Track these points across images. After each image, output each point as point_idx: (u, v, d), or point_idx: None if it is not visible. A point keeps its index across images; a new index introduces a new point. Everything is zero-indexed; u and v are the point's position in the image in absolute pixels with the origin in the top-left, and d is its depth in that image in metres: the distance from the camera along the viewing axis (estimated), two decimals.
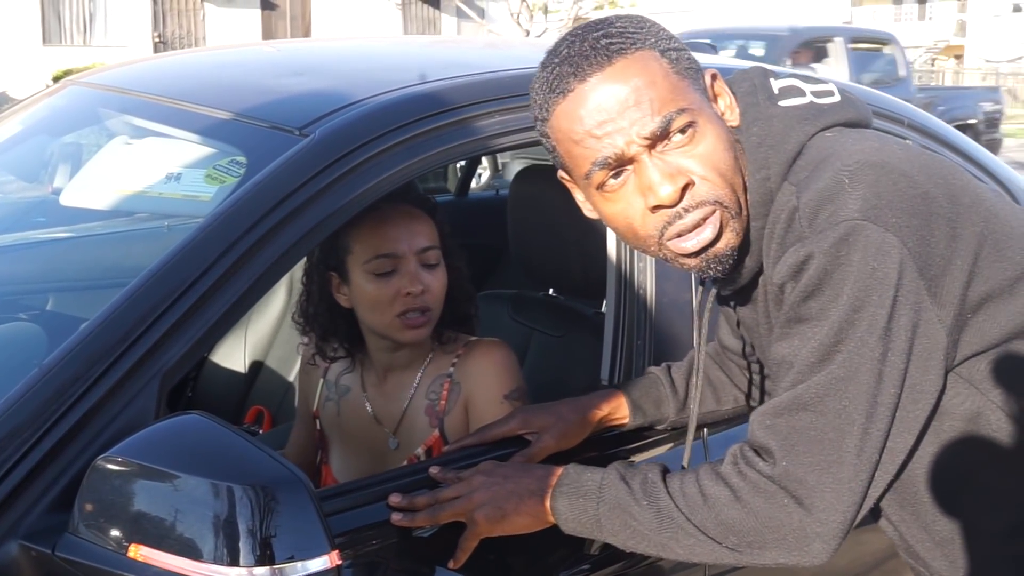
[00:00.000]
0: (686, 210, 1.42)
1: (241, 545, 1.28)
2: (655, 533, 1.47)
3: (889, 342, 1.33)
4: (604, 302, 2.31)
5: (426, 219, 2.07)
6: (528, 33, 22.09)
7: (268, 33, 25.39)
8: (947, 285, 1.36)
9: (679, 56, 1.44)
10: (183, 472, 1.31)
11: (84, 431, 1.43)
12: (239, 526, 1.28)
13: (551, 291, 2.70)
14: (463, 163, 4.95)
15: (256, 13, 25.66)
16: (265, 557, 1.29)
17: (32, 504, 1.38)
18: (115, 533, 1.32)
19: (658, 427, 1.92)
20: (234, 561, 1.28)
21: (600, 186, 1.45)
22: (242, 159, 1.78)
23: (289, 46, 3.36)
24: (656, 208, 1.42)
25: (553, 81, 1.43)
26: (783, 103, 1.48)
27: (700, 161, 1.42)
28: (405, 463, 2.01)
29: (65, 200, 2.39)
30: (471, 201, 4.77)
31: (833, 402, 1.34)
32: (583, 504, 1.53)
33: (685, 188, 1.41)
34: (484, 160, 9.15)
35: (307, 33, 25.68)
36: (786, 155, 1.45)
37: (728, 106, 1.48)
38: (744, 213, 1.48)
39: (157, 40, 23.65)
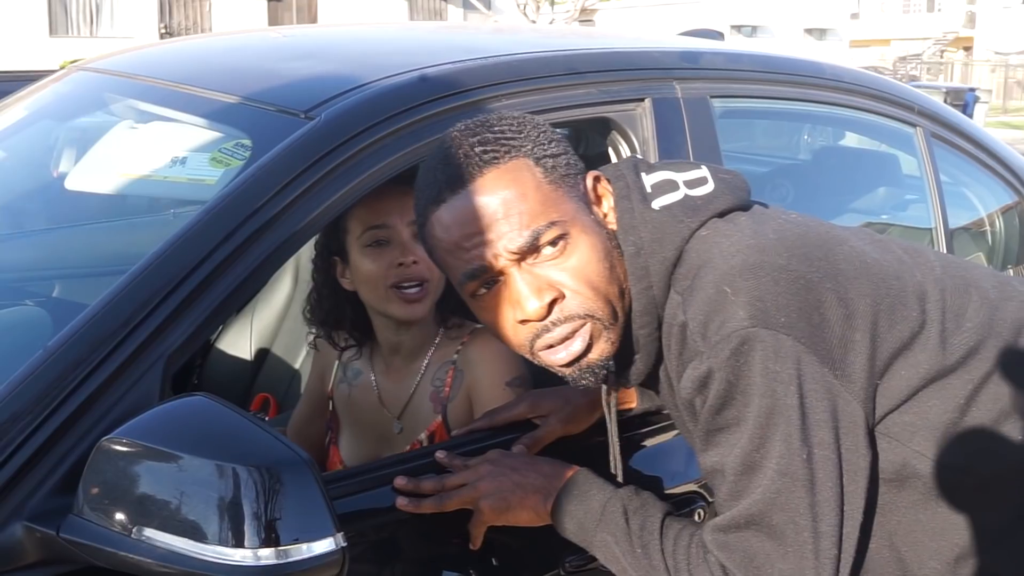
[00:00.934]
0: (554, 324, 1.42)
1: (246, 526, 1.28)
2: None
3: (811, 438, 1.35)
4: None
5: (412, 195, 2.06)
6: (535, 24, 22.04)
7: (274, 24, 25.39)
8: (853, 362, 1.38)
9: (555, 163, 1.45)
10: (188, 453, 1.30)
11: (88, 413, 1.42)
12: (244, 507, 1.28)
13: None
14: None
15: (262, 4, 25.67)
16: (270, 539, 1.28)
17: (36, 486, 1.38)
18: (119, 514, 1.31)
19: (665, 411, 1.91)
20: (239, 542, 1.27)
21: (472, 294, 1.47)
22: (247, 142, 1.77)
23: (295, 31, 3.34)
24: (524, 322, 1.43)
25: (430, 188, 1.47)
26: (657, 202, 1.47)
27: (571, 274, 1.42)
28: (408, 448, 2.01)
29: (70, 184, 2.38)
30: None
31: (778, 516, 1.36)
32: (581, 523, 1.57)
33: (553, 302, 1.41)
34: None
35: (313, 23, 25.65)
36: (665, 263, 1.45)
37: (611, 208, 1.49)
38: (620, 321, 1.47)
39: (163, 31, 23.67)
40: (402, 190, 2.03)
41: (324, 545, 1.31)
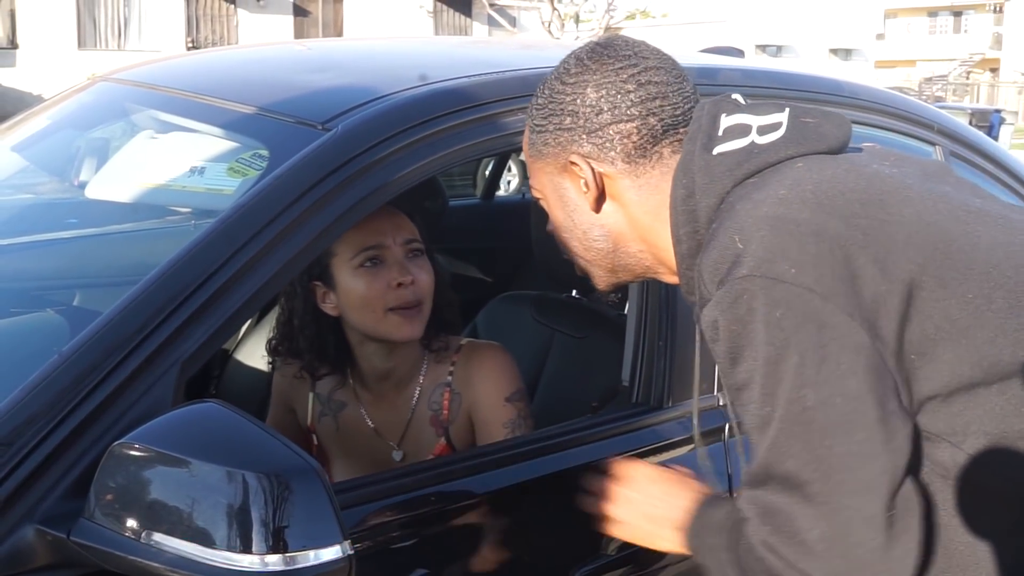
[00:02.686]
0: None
1: (254, 532, 1.28)
2: None
3: (824, 385, 1.27)
4: (626, 304, 2.31)
5: (405, 218, 2.07)
6: None
7: (300, 39, 25.52)
8: (884, 326, 1.30)
9: (536, 138, 1.55)
10: (198, 459, 1.31)
11: (101, 418, 1.43)
12: (252, 514, 1.29)
13: (574, 293, 2.69)
14: (490, 167, 4.96)
15: (289, 19, 25.83)
16: (278, 545, 1.29)
17: (49, 489, 1.39)
18: (129, 519, 1.32)
19: None
20: (247, 548, 1.28)
21: None
22: (264, 152, 1.78)
23: (314, 44, 3.37)
24: None
25: None
26: (719, 149, 1.45)
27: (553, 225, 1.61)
28: None
29: (91, 193, 2.40)
30: (497, 204, 4.77)
31: (789, 465, 1.30)
32: (707, 552, 1.50)
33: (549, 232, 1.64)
34: (513, 166, 9.20)
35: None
36: (709, 210, 1.44)
37: (585, 182, 1.52)
38: (603, 265, 1.58)
39: (190, 45, 23.84)
40: (392, 212, 2.04)
41: (331, 552, 1.31)
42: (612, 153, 1.49)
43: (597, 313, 2.56)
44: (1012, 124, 25.46)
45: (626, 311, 2.31)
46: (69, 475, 1.40)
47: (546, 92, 1.54)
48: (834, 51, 41.89)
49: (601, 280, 1.62)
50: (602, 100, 1.47)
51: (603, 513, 1.65)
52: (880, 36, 48.38)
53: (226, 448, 1.33)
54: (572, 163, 1.51)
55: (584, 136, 1.49)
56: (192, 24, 24.45)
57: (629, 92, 1.47)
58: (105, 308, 1.52)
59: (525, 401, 2.06)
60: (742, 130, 1.46)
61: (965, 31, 53.60)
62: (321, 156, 1.69)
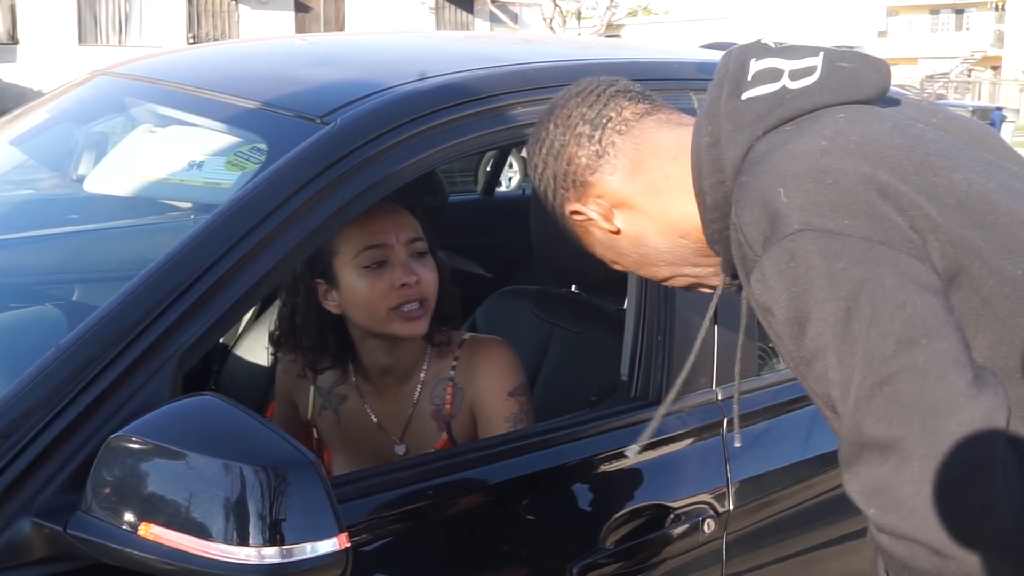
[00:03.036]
0: None
1: (251, 525, 1.28)
2: None
3: (904, 330, 1.16)
4: (625, 299, 2.31)
5: (407, 214, 2.07)
6: None
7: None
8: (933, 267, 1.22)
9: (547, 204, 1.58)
10: (195, 452, 1.31)
11: (98, 411, 1.43)
12: (249, 506, 1.28)
13: (573, 288, 2.69)
14: (490, 163, 4.96)
15: (290, 16, 25.82)
16: (275, 537, 1.29)
17: (45, 482, 1.38)
18: (126, 511, 1.32)
19: None
20: (244, 541, 1.28)
21: None
22: (263, 146, 1.78)
23: (313, 38, 3.37)
24: None
25: None
26: (748, 94, 1.38)
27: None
28: None
29: (89, 187, 2.40)
30: (497, 200, 4.77)
31: (879, 428, 1.18)
32: None
33: None
34: (514, 163, 9.19)
35: None
36: (735, 159, 1.36)
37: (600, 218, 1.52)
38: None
39: (191, 41, 23.82)
40: (394, 209, 2.03)
41: (328, 545, 1.31)
42: (584, 188, 1.51)
43: (596, 308, 2.56)
44: (1013, 122, 25.42)
45: (625, 306, 2.31)
46: (66, 468, 1.40)
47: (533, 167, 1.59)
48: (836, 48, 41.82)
49: (710, 274, 1.53)
50: (553, 150, 1.53)
51: None
52: (882, 34, 48.36)
53: (223, 441, 1.33)
54: (576, 212, 1.54)
55: (563, 180, 1.53)
56: (193, 20, 24.43)
57: (570, 128, 1.52)
58: (103, 302, 1.52)
59: (527, 395, 2.06)
60: (773, 75, 1.39)
61: (967, 29, 53.56)
62: (320, 150, 1.68)
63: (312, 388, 2.19)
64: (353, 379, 2.16)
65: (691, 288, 1.59)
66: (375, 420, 2.13)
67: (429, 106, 1.79)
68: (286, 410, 2.27)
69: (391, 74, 1.92)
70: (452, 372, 2.08)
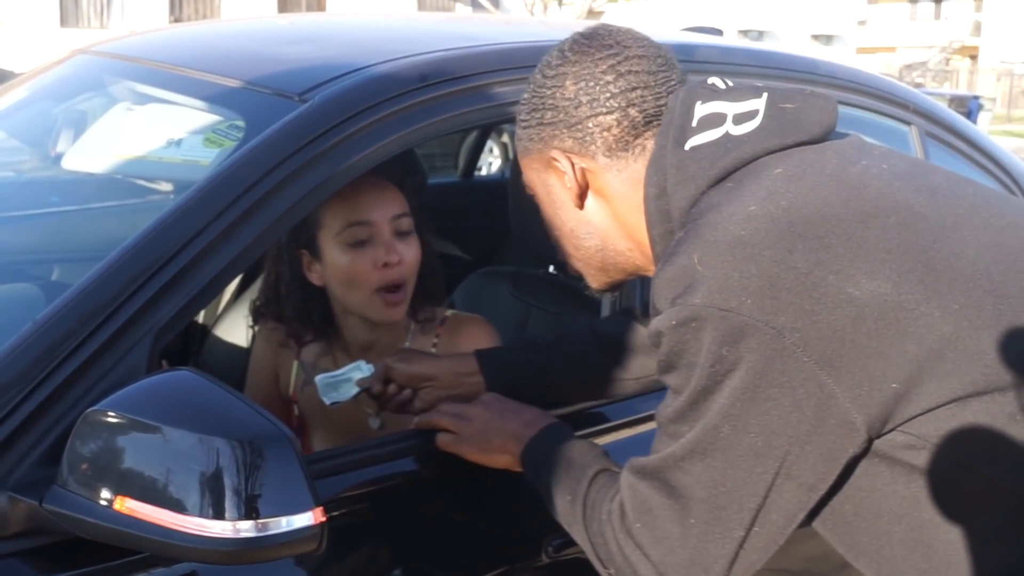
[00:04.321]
0: None
1: (226, 499, 1.28)
2: (568, 527, 1.52)
3: (749, 424, 1.25)
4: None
5: (395, 189, 2.06)
6: None
7: None
8: (852, 357, 1.23)
9: (520, 134, 1.55)
10: (171, 426, 1.31)
11: (75, 386, 1.43)
12: (224, 480, 1.29)
13: (551, 268, 2.70)
14: (470, 146, 4.95)
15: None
16: (250, 512, 1.29)
17: (21, 457, 1.38)
18: (102, 485, 1.32)
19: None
20: (219, 515, 1.28)
21: None
22: (241, 123, 1.78)
23: (292, 18, 3.36)
24: None
25: None
26: (692, 142, 1.39)
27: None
28: None
29: (68, 164, 2.40)
30: (476, 183, 4.78)
31: (680, 480, 1.31)
32: (537, 471, 1.59)
33: None
34: (494, 148, 9.17)
35: None
36: (680, 211, 1.40)
37: (568, 177, 1.50)
38: (592, 265, 1.58)
39: (174, 23, 23.68)
40: (382, 184, 2.02)
41: (303, 519, 1.31)
42: (592, 147, 1.46)
43: (573, 289, 2.57)
44: (990, 111, 25.54)
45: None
46: (42, 442, 1.40)
47: (531, 87, 1.52)
48: (816, 37, 41.87)
49: (594, 279, 1.60)
50: (581, 93, 1.44)
51: (461, 425, 1.69)
52: (862, 22, 48.38)
53: (199, 415, 1.33)
54: (553, 159, 1.49)
55: (565, 130, 1.46)
56: (175, 2, 24.30)
57: (608, 83, 1.43)
58: (79, 280, 1.51)
59: None
60: (716, 119, 1.40)
61: (945, 18, 53.65)
62: (297, 127, 1.68)
63: (296, 363, 2.19)
64: (336, 353, 2.15)
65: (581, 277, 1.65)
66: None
67: (408, 84, 1.79)
68: (264, 383, 2.25)
69: (370, 53, 1.92)
70: (434, 349, 2.08)
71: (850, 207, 1.30)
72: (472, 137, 4.93)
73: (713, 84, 1.46)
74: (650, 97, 1.44)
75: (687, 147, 1.39)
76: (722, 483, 1.28)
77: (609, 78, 1.44)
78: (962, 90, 34.69)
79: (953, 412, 1.26)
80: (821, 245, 1.25)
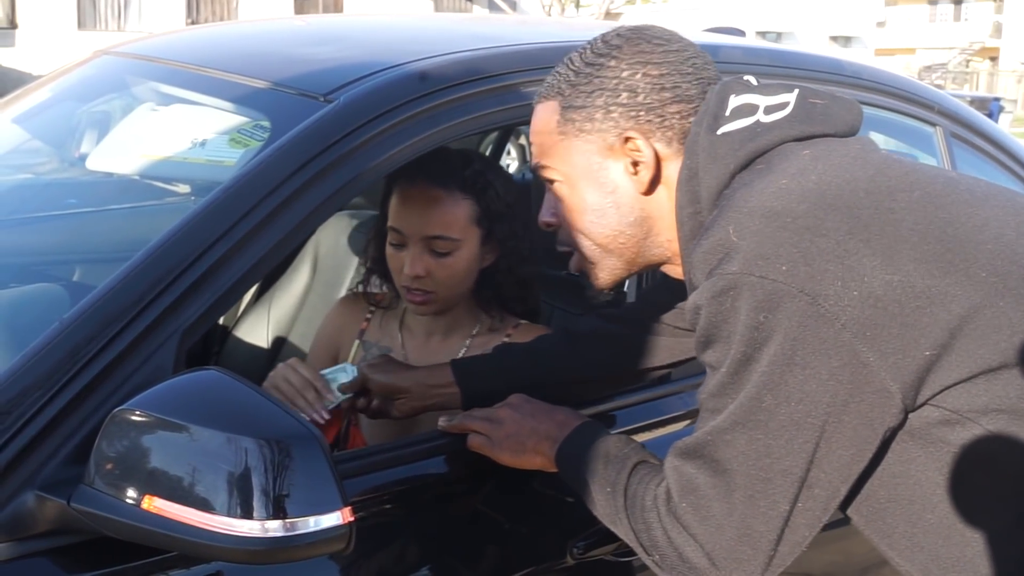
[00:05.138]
0: (559, 242, 1.63)
1: (254, 499, 1.28)
2: (610, 520, 1.53)
3: (788, 393, 1.28)
4: (626, 282, 2.31)
5: (452, 204, 2.06)
6: None
7: None
8: (886, 320, 1.26)
9: (575, 115, 1.51)
10: (199, 425, 1.31)
11: (102, 386, 1.43)
12: (252, 480, 1.28)
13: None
14: (489, 148, 4.95)
15: (289, 1, 25.77)
16: (278, 511, 1.29)
17: (49, 456, 1.39)
18: (130, 485, 1.32)
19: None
20: (247, 514, 1.28)
21: None
22: (266, 124, 1.78)
23: (316, 19, 3.36)
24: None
25: None
26: (723, 129, 1.43)
27: (563, 210, 1.58)
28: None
29: (92, 165, 2.40)
30: None
31: (724, 453, 1.32)
32: (575, 468, 1.59)
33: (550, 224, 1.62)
34: (512, 150, 9.16)
35: None
36: (711, 192, 1.43)
37: (641, 164, 1.49)
38: (625, 257, 1.57)
39: (191, 25, 23.76)
40: (435, 198, 2.04)
41: (332, 519, 1.31)
42: (670, 133, 1.48)
43: (580, 285, 2.57)
44: (1011, 112, 25.48)
45: (625, 288, 2.32)
46: (70, 442, 1.40)
47: (586, 70, 1.51)
48: (834, 38, 41.81)
49: (609, 273, 1.60)
50: (664, 78, 1.47)
51: (493, 429, 1.69)
52: (880, 24, 48.27)
53: (227, 414, 1.33)
54: (630, 139, 1.48)
55: (643, 112, 1.47)
56: (192, 4, 24.38)
57: (687, 74, 1.48)
58: (105, 280, 1.52)
59: None
60: (748, 110, 1.45)
61: (965, 19, 53.47)
62: (323, 128, 1.68)
63: (357, 342, 2.22)
64: (400, 334, 2.21)
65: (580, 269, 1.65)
66: None
67: (433, 85, 1.79)
68: (321, 361, 2.27)
69: (394, 53, 1.92)
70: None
71: (876, 182, 1.36)
72: (492, 139, 4.92)
73: (748, 80, 1.50)
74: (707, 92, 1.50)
75: (719, 133, 1.43)
76: (765, 455, 1.30)
77: (688, 69, 1.49)
78: (982, 92, 34.55)
79: (985, 386, 1.30)
80: (851, 215, 1.30)
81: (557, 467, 1.63)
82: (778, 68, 2.31)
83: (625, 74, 1.48)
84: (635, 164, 1.49)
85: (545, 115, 1.56)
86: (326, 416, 1.84)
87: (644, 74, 1.47)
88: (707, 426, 1.35)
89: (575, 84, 1.52)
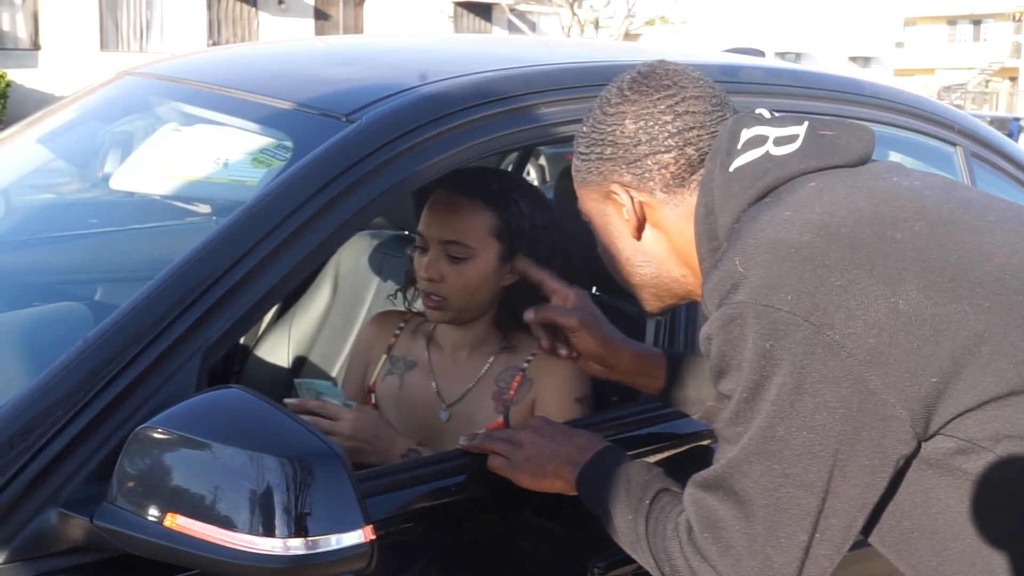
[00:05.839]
0: None
1: (276, 517, 1.29)
2: (630, 547, 1.53)
3: (799, 420, 1.29)
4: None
5: (471, 213, 2.09)
6: None
7: None
8: (891, 354, 1.27)
9: (579, 165, 1.59)
10: (221, 443, 1.31)
11: (125, 404, 1.44)
12: (275, 498, 1.29)
13: (595, 290, 2.69)
14: (510, 168, 4.96)
15: (309, 23, 25.93)
16: (300, 529, 1.29)
17: (72, 473, 1.39)
18: (152, 502, 1.32)
19: (691, 412, 1.88)
20: (269, 532, 1.28)
21: None
22: (289, 144, 1.79)
23: (338, 40, 3.38)
24: None
25: None
26: (735, 164, 1.45)
27: (599, 249, 1.65)
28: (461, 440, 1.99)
29: (115, 184, 2.42)
30: None
31: (741, 484, 1.34)
32: (595, 494, 1.60)
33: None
34: (531, 171, 9.18)
35: None
36: (726, 228, 1.46)
37: (626, 210, 1.54)
38: (651, 290, 1.62)
39: (212, 46, 23.92)
40: (458, 205, 2.08)
41: (353, 537, 1.31)
42: (651, 183, 1.51)
43: (618, 310, 2.56)
44: None
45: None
46: (93, 459, 1.41)
47: (590, 121, 1.57)
48: (853, 59, 41.81)
49: (649, 303, 1.65)
50: (640, 131, 1.50)
51: (513, 452, 1.69)
52: (899, 44, 48.25)
53: (249, 432, 1.33)
54: (612, 192, 1.54)
55: (624, 166, 1.52)
56: (214, 26, 24.56)
57: (666, 123, 1.49)
58: (128, 299, 1.53)
59: (591, 406, 2.09)
60: (758, 140, 1.47)
61: (984, 40, 53.41)
62: (345, 148, 1.69)
63: (385, 356, 2.25)
64: (427, 349, 2.23)
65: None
66: (435, 387, 2.18)
67: (454, 105, 1.80)
68: (353, 376, 2.36)
69: (416, 74, 1.93)
70: (526, 364, 2.12)
71: (880, 212, 1.36)
72: (511, 160, 4.94)
73: (760, 113, 1.52)
74: (706, 136, 1.50)
75: (731, 168, 1.45)
76: (782, 485, 1.31)
77: (667, 118, 1.50)
78: (1002, 112, 34.48)
79: (995, 412, 1.30)
80: (854, 245, 1.31)
81: (578, 492, 1.63)
82: (797, 88, 2.31)
83: (608, 128, 1.53)
84: (627, 211, 1.55)
85: (571, 164, 1.64)
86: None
87: (623, 128, 1.52)
88: (725, 457, 1.36)
89: (583, 136, 1.59)
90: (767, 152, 1.45)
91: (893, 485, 1.35)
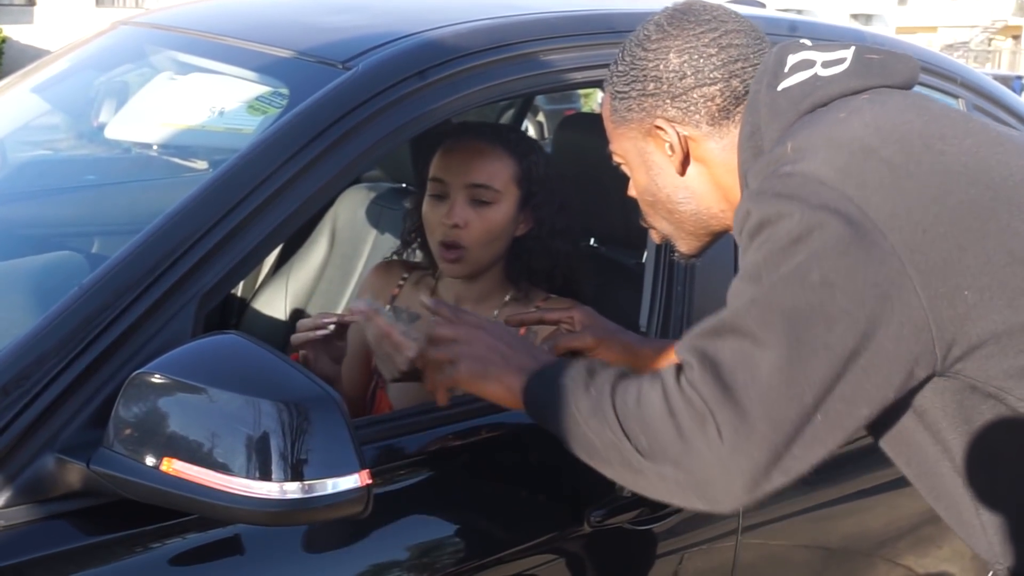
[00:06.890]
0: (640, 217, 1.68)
1: (273, 461, 1.29)
2: (590, 417, 1.37)
3: (831, 277, 1.23)
4: (644, 252, 2.31)
5: (495, 158, 2.11)
6: None
7: None
8: (931, 251, 1.25)
9: (618, 105, 1.57)
10: (218, 388, 1.31)
11: (122, 349, 1.44)
12: (271, 442, 1.29)
13: (592, 241, 2.69)
14: (508, 121, 4.94)
15: None
16: (296, 473, 1.29)
17: (69, 419, 1.39)
18: (149, 447, 1.33)
19: None
20: (265, 476, 1.29)
21: None
22: (285, 91, 1.78)
23: None
24: None
25: None
26: (783, 85, 1.45)
27: (634, 189, 1.64)
28: None
29: (110, 134, 2.41)
30: None
31: (754, 322, 1.25)
32: (545, 393, 1.46)
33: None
34: (530, 128, 9.17)
35: None
36: (771, 143, 1.44)
37: (670, 145, 1.53)
38: (688, 229, 1.60)
39: None
40: (480, 149, 2.08)
41: (349, 482, 1.32)
42: (696, 116, 1.51)
43: (616, 262, 2.56)
44: None
45: (644, 259, 2.31)
46: (90, 405, 1.41)
47: (627, 59, 1.56)
48: (855, 16, 41.58)
49: (685, 244, 1.64)
50: (685, 65, 1.50)
51: (458, 345, 1.56)
52: (902, 2, 47.97)
53: (245, 377, 1.33)
54: (657, 127, 1.53)
55: (668, 101, 1.51)
56: None
57: (711, 56, 1.49)
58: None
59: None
60: (806, 64, 1.47)
61: None
62: (341, 95, 1.68)
63: (388, 307, 2.23)
64: (436, 293, 2.23)
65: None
66: None
67: (452, 52, 1.78)
68: (357, 328, 2.25)
69: (414, 21, 1.92)
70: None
71: (929, 126, 1.37)
72: (510, 113, 4.92)
73: (804, 41, 1.53)
74: (749, 68, 1.50)
75: (779, 89, 1.46)
76: (805, 328, 1.23)
77: (712, 51, 1.50)
78: (1004, 70, 34.35)
79: (1020, 346, 1.28)
80: (903, 150, 1.32)
81: (523, 398, 1.49)
82: (798, 38, 2.29)
83: (651, 64, 1.52)
84: (671, 147, 1.54)
85: (605, 104, 1.62)
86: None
87: (667, 62, 1.51)
88: (742, 299, 1.28)
89: (620, 74, 1.57)
90: (815, 73, 1.45)
91: (909, 393, 1.31)
